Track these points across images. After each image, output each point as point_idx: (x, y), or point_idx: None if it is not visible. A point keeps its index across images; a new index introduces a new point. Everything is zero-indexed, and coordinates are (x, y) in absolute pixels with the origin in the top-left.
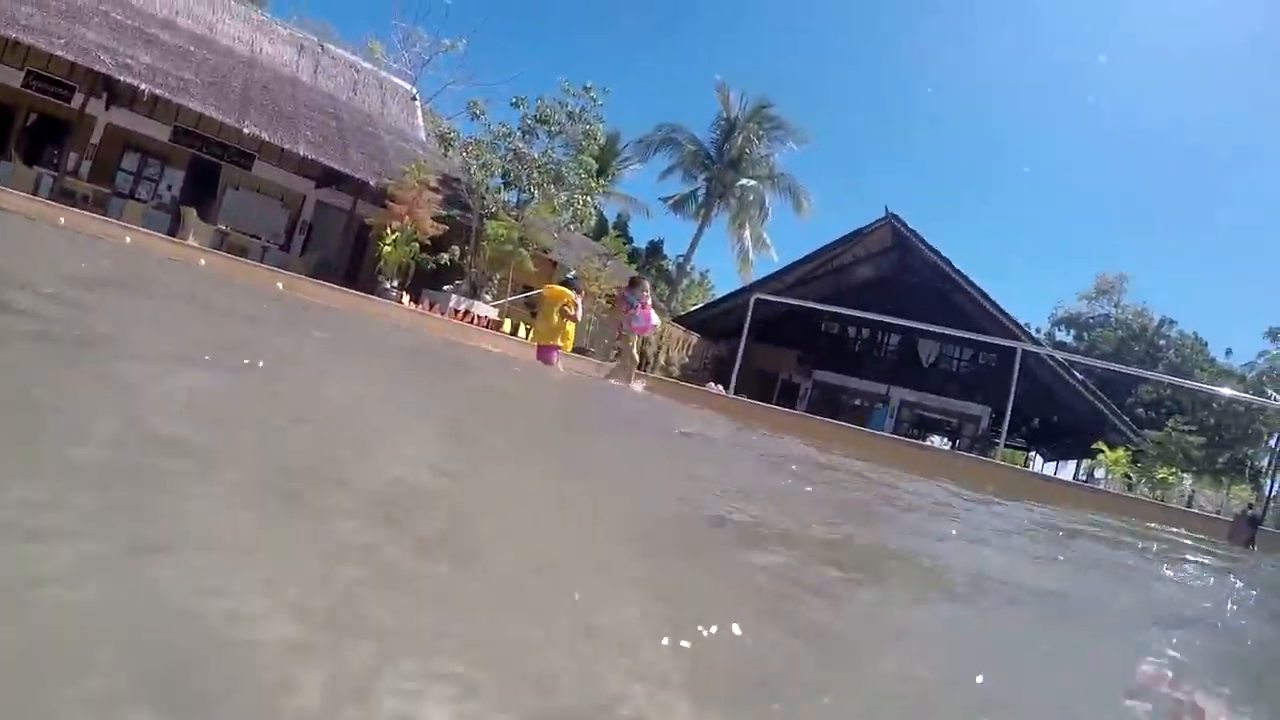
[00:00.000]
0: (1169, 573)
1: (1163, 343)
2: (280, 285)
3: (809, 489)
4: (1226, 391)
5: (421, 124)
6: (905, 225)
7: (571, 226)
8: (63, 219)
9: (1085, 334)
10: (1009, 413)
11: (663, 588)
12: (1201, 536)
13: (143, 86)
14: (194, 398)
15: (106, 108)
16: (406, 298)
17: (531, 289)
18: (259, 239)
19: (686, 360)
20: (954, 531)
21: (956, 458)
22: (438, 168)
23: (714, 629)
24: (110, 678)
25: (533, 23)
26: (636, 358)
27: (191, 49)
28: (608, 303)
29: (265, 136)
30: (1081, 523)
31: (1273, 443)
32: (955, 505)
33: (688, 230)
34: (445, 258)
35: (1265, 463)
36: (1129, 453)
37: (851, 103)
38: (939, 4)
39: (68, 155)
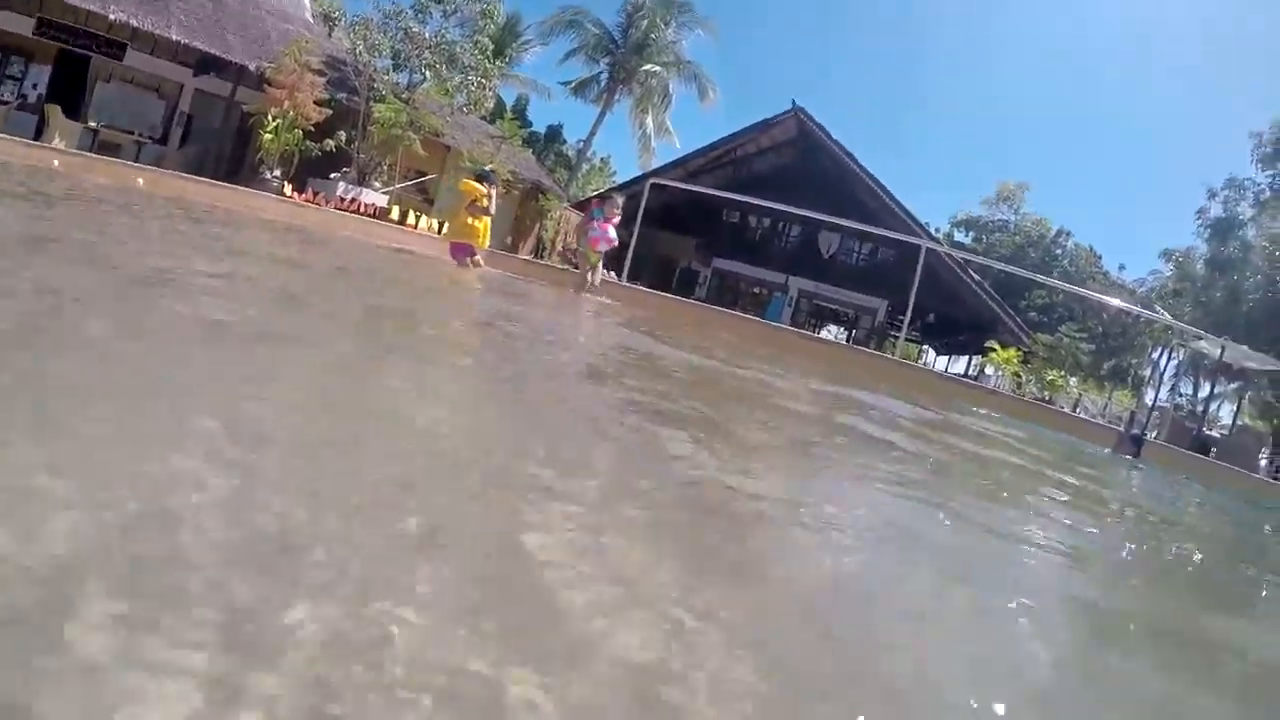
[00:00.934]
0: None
1: (1059, 252)
2: (141, 181)
3: None
4: (1115, 302)
5: (308, 4)
6: (811, 119)
7: (466, 109)
8: None
9: (984, 237)
10: (910, 309)
11: None
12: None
13: None
14: None
15: None
16: (290, 188)
17: (424, 175)
18: (133, 134)
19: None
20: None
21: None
22: (323, 49)
23: None
24: None
25: None
26: (593, 270)
27: None
28: (504, 189)
29: (134, 23)
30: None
31: (1155, 355)
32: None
33: (589, 115)
34: (331, 144)
35: (1147, 373)
36: (1020, 353)
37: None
38: None
39: None
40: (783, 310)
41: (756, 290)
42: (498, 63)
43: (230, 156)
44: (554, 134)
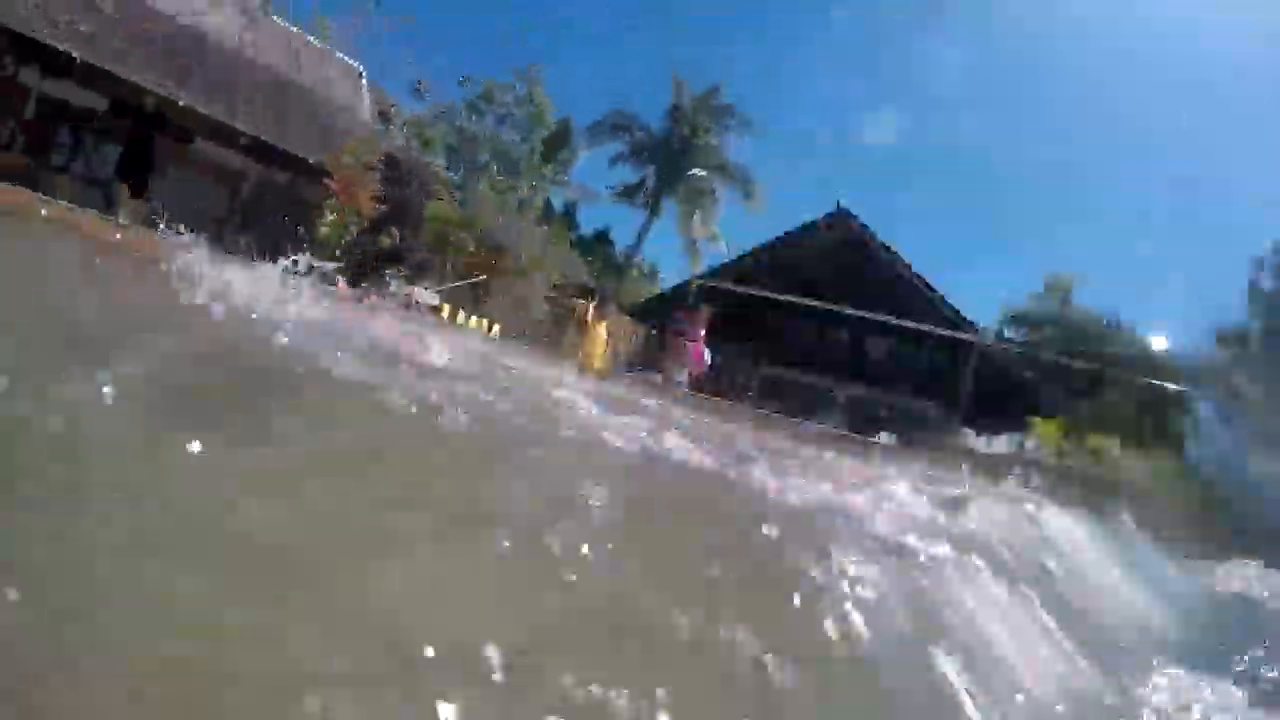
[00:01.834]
0: None
1: (1111, 345)
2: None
3: None
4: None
5: (368, 102)
6: (855, 219)
7: (521, 209)
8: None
9: (1034, 333)
10: (962, 410)
11: None
12: None
13: (75, 54)
14: None
15: (41, 78)
16: (342, 282)
17: (476, 275)
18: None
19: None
20: None
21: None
22: (380, 146)
23: None
24: None
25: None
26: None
27: (130, 16)
28: (552, 289)
29: (201, 110)
30: None
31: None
32: None
33: (636, 220)
34: (385, 240)
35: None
36: (1062, 424)
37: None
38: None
39: None
40: (833, 416)
41: (804, 396)
42: (549, 166)
43: (286, 246)
44: (602, 238)
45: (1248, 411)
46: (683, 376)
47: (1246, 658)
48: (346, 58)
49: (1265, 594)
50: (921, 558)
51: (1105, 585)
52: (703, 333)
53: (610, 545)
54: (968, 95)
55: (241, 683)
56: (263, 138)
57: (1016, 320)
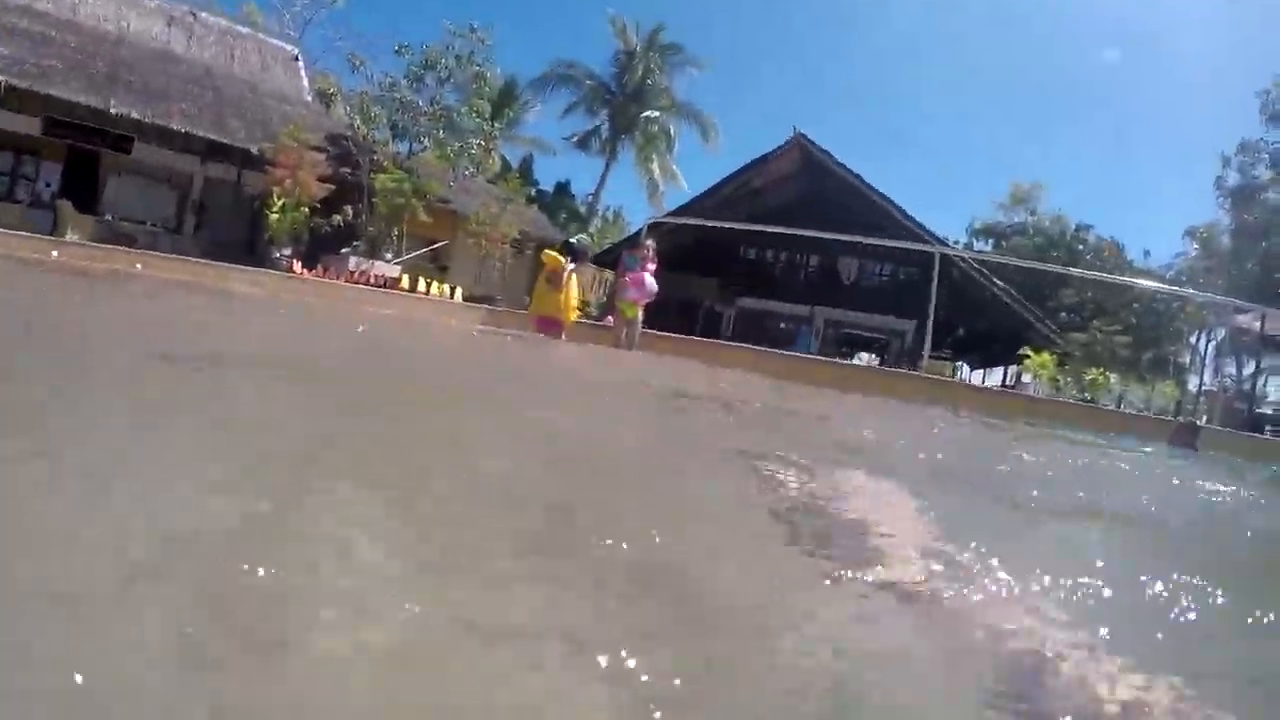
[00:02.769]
0: None
1: (1080, 247)
2: (139, 266)
3: None
4: (1144, 283)
5: (306, 85)
6: (814, 145)
7: (469, 172)
8: None
9: (1003, 243)
10: (930, 323)
11: None
12: None
13: (0, 78)
14: None
15: None
16: (299, 265)
17: (436, 242)
18: (145, 224)
19: (605, 299)
20: None
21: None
22: (322, 126)
23: None
24: None
25: None
26: (629, 327)
27: (53, 33)
28: (512, 247)
29: (135, 115)
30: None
31: (1192, 340)
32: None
33: (595, 168)
34: (339, 219)
35: (1187, 359)
36: (1055, 356)
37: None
38: None
39: None
40: (811, 342)
41: (782, 325)
42: (498, 124)
43: (243, 240)
44: (562, 190)
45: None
46: (635, 333)
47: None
48: (280, 43)
49: None
50: None
51: None
52: (650, 265)
53: None
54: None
55: None
56: (202, 135)
57: (984, 233)
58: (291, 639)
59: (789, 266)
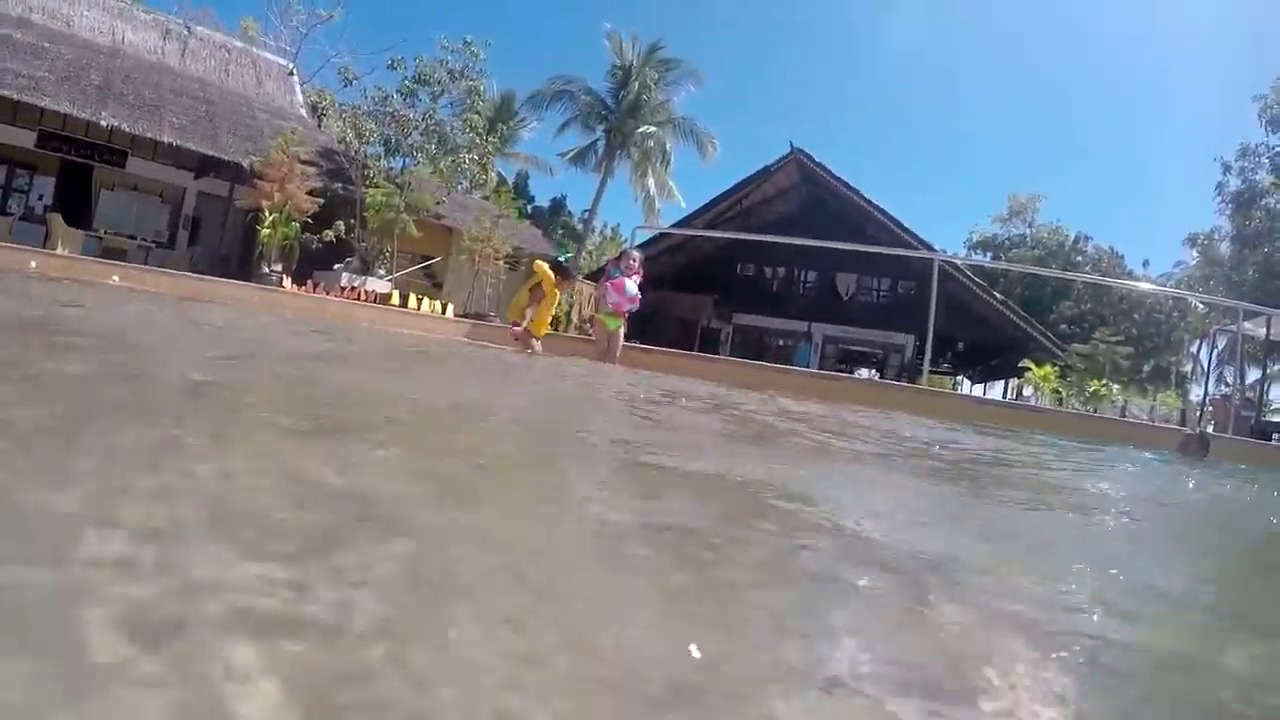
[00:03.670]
0: None
1: (1079, 259)
2: (115, 278)
3: None
4: (1145, 286)
5: (301, 100)
6: (811, 159)
7: (462, 187)
8: None
9: (1002, 256)
10: (929, 335)
11: None
12: None
13: None
14: None
15: None
16: (289, 280)
17: (430, 258)
18: (135, 239)
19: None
20: None
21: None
22: (315, 141)
23: None
24: None
25: None
26: (611, 339)
27: (46, 45)
28: (505, 263)
29: (125, 127)
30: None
31: (1194, 349)
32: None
33: (591, 184)
34: (331, 235)
35: (1189, 368)
36: (1056, 368)
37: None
38: None
39: None
40: (810, 358)
41: (781, 342)
42: (492, 139)
43: (237, 255)
44: (558, 206)
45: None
46: (616, 346)
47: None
48: (275, 57)
49: None
50: None
51: None
52: (637, 275)
53: None
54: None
55: None
56: (195, 148)
57: (982, 245)
58: None
59: (787, 282)
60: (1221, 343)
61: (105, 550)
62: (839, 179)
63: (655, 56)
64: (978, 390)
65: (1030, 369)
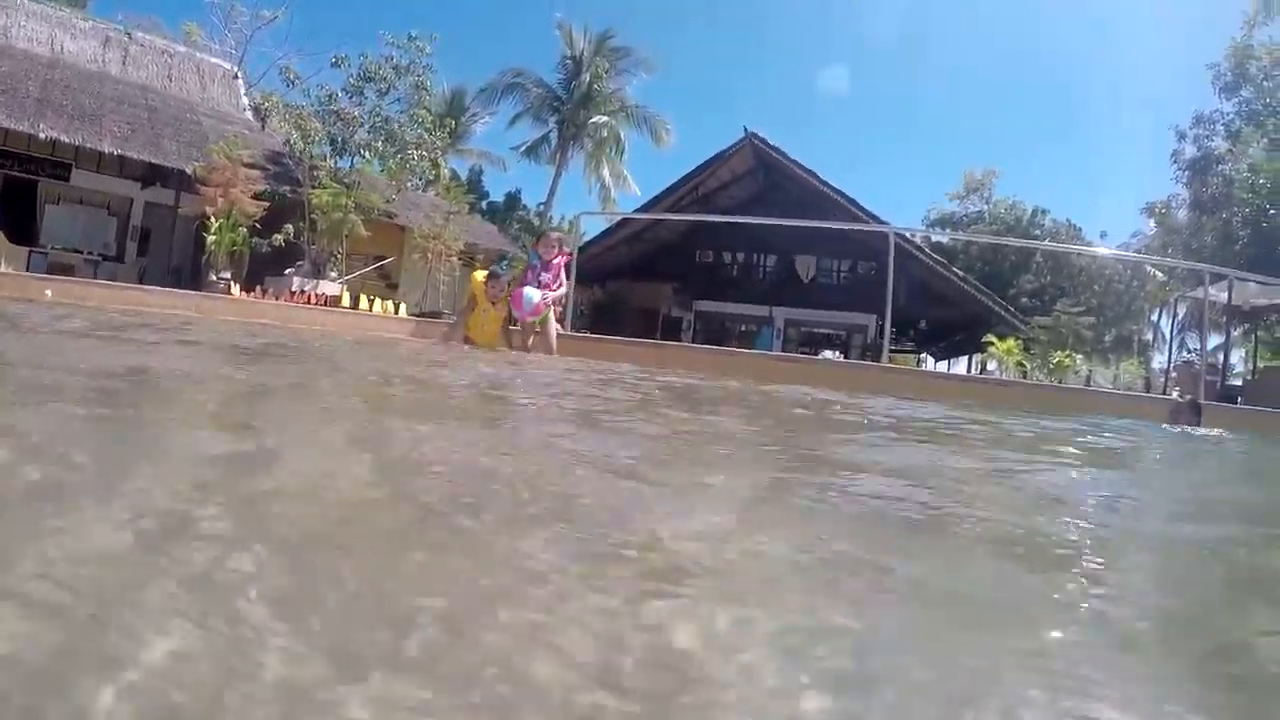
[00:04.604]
0: None
1: (1038, 232)
2: (48, 293)
3: None
4: (1104, 250)
5: (246, 103)
6: (766, 143)
7: (412, 184)
8: None
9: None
10: (888, 312)
11: None
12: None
13: None
14: None
15: None
16: (236, 287)
17: (384, 259)
18: (82, 253)
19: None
20: None
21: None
22: (261, 144)
23: None
24: None
25: None
26: (540, 331)
27: None
28: (459, 259)
29: (65, 139)
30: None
31: (1154, 317)
32: None
33: (546, 177)
34: (280, 239)
35: (1150, 337)
36: (1020, 341)
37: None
38: None
39: None
40: (772, 342)
41: (743, 327)
42: (441, 134)
43: (187, 265)
44: (513, 201)
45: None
46: (548, 317)
47: None
48: (218, 60)
49: None
50: None
51: None
52: (557, 260)
53: None
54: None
55: None
56: (138, 157)
57: (940, 223)
58: None
59: (746, 268)
60: (1182, 310)
61: None
62: (794, 162)
63: (606, 45)
64: (941, 366)
65: (993, 343)
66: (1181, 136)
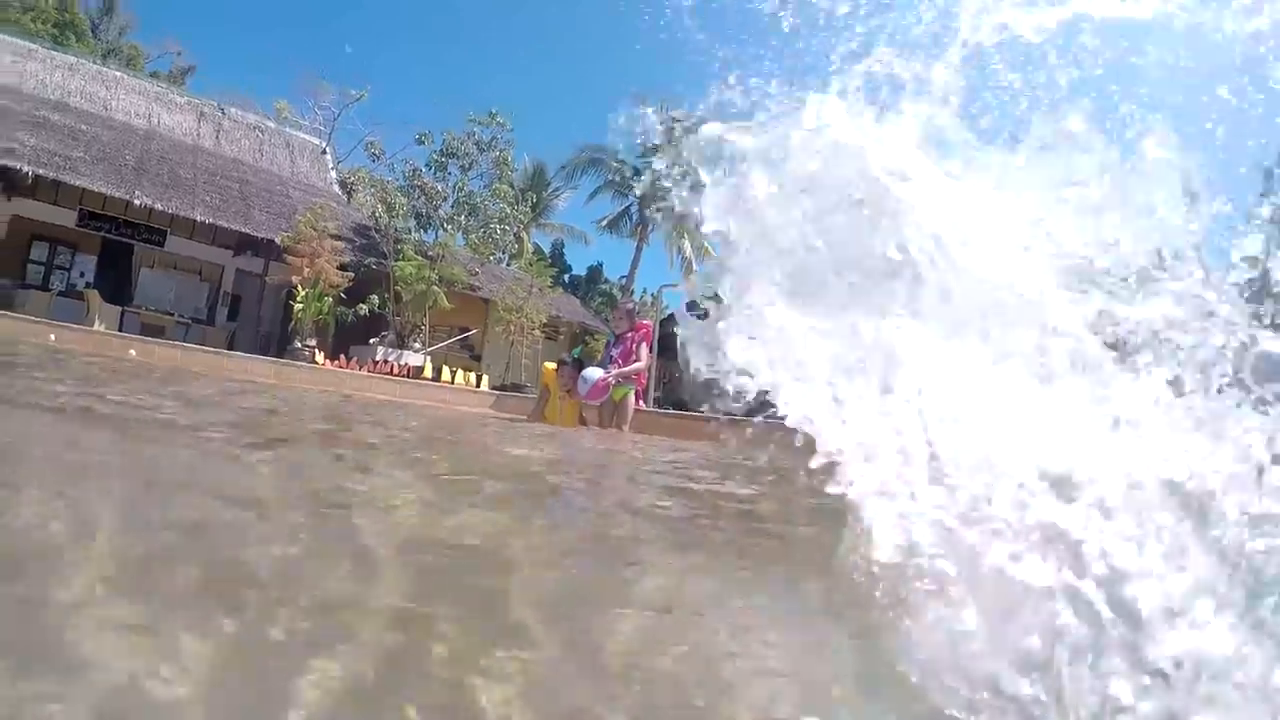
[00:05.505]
0: None
1: None
2: (133, 353)
3: None
4: None
5: (334, 177)
6: None
7: (495, 258)
8: None
9: None
10: None
11: None
12: None
13: (24, 168)
14: None
15: (8, 198)
16: (321, 355)
17: (467, 330)
18: (173, 315)
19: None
20: None
21: None
22: (347, 216)
23: None
24: None
25: (441, 69)
26: (618, 408)
27: (83, 127)
28: (542, 332)
29: (159, 206)
30: None
31: None
32: None
33: (627, 251)
34: (365, 309)
35: None
36: None
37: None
38: None
39: None
40: None
41: None
42: (524, 208)
43: (276, 332)
44: (595, 274)
45: None
46: (627, 394)
47: None
48: (308, 136)
49: None
50: None
51: None
52: (627, 338)
53: None
54: None
55: None
56: (229, 226)
57: None
58: None
59: None
60: None
61: None
62: None
63: (683, 120)
64: None
65: None
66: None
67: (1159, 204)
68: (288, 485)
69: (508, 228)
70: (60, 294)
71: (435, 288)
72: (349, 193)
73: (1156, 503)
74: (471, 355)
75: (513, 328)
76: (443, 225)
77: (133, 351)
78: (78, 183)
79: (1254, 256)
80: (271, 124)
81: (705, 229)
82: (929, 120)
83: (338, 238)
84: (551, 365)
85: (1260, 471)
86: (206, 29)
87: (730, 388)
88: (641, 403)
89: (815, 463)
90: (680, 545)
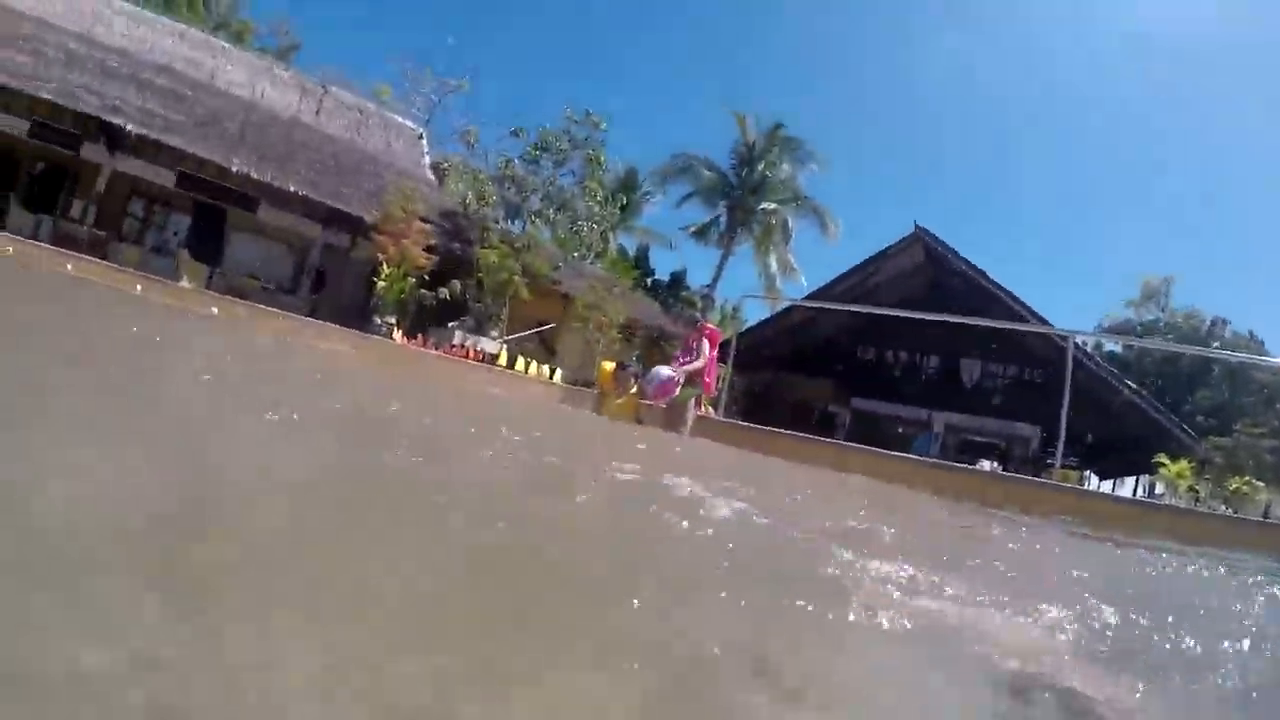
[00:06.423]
0: None
1: (1216, 345)
2: (215, 309)
3: None
4: None
5: (428, 162)
6: (935, 239)
7: (579, 254)
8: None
9: (1134, 343)
10: (1063, 425)
11: None
12: None
13: (129, 127)
14: None
15: (111, 154)
16: (399, 334)
17: (545, 324)
18: (259, 280)
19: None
20: None
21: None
22: (437, 200)
23: None
24: None
25: (545, 63)
26: (677, 409)
27: (187, 92)
28: (620, 333)
29: (254, 174)
30: None
31: None
32: None
33: (712, 259)
34: (446, 293)
35: None
36: (1193, 464)
37: (872, 122)
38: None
39: (71, 202)
40: (929, 447)
41: (900, 429)
42: (613, 209)
43: (357, 306)
44: (677, 280)
45: None
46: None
47: None
48: (405, 120)
49: None
50: None
51: None
52: (693, 344)
53: None
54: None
55: None
56: (319, 199)
57: (1114, 331)
58: None
59: (908, 368)
60: None
61: None
62: (964, 260)
63: (778, 135)
64: (1106, 486)
65: (1164, 465)
66: None
67: None
68: None
69: (595, 226)
70: (153, 249)
71: (517, 278)
72: (441, 179)
73: None
74: (546, 348)
75: (591, 325)
76: (531, 218)
77: (214, 309)
78: (178, 144)
79: None
80: (372, 106)
81: None
82: None
83: (426, 220)
84: (609, 365)
85: None
86: (314, 11)
87: None
88: (708, 409)
89: None
90: None
